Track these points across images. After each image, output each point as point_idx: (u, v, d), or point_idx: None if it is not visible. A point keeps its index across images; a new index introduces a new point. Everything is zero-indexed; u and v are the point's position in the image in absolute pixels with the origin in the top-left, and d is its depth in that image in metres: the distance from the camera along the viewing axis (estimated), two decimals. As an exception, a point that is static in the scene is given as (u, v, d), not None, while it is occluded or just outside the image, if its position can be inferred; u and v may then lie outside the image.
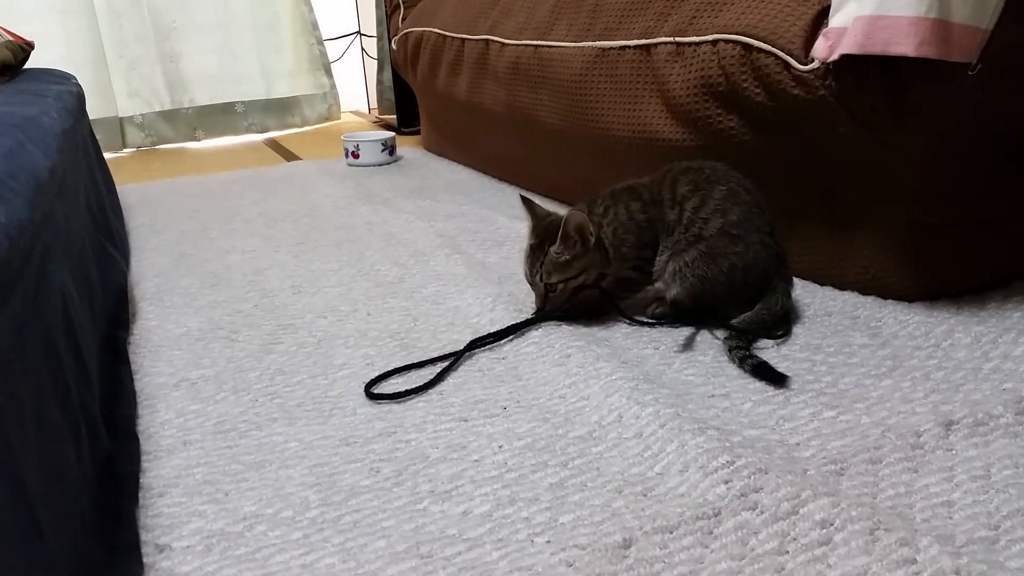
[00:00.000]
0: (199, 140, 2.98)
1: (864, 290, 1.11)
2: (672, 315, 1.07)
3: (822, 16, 1.00)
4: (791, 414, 0.82)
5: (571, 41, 1.47)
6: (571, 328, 1.06)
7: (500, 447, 0.80)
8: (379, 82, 3.19)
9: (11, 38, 1.64)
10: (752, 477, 0.70)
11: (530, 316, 1.08)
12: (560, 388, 0.91)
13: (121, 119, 2.85)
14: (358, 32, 3.36)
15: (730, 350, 0.96)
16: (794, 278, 1.17)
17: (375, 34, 3.13)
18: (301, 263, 1.42)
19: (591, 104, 1.42)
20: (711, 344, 1.00)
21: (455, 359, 0.99)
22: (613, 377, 0.91)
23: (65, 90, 1.49)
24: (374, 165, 2.23)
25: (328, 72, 3.20)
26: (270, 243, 1.56)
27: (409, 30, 2.25)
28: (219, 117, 3.01)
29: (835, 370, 0.91)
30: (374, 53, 3.20)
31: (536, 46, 1.58)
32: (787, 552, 0.63)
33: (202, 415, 0.91)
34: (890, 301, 1.07)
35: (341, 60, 3.32)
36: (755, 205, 1.03)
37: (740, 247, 1.01)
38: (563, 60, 1.49)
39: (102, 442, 0.78)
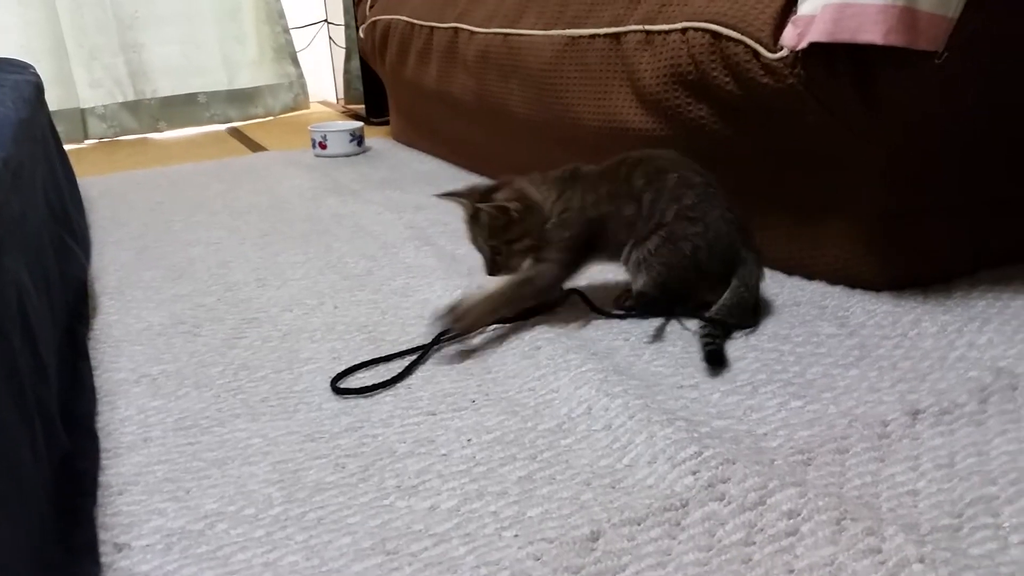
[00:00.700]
0: (161, 131, 2.93)
1: (832, 280, 1.11)
2: (641, 307, 1.06)
3: (791, 4, 1.00)
4: (759, 404, 0.82)
5: (540, 29, 1.46)
6: (541, 320, 1.05)
7: (469, 441, 0.79)
8: (347, 71, 3.16)
9: (-35, 25, 1.59)
10: (719, 468, 0.70)
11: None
12: (529, 381, 0.91)
13: (83, 110, 2.79)
14: (325, 20, 3.32)
15: (701, 336, 0.96)
16: (764, 269, 1.17)
17: (342, 23, 3.10)
18: (266, 255, 1.40)
19: (561, 93, 1.41)
20: (681, 335, 1.00)
21: (423, 352, 0.98)
22: (583, 369, 0.90)
23: (22, 79, 1.46)
24: (342, 156, 2.21)
25: (295, 61, 3.16)
26: (235, 235, 1.53)
27: (377, 18, 2.23)
28: (182, 108, 2.96)
29: (803, 360, 0.91)
30: (342, 42, 3.16)
31: (506, 34, 1.57)
32: (754, 543, 0.62)
33: (163, 411, 0.89)
34: (858, 291, 1.08)
35: (308, 49, 3.28)
36: (708, 186, 1.03)
37: (699, 227, 1.01)
38: (533, 49, 1.48)
39: (60, 439, 0.76)
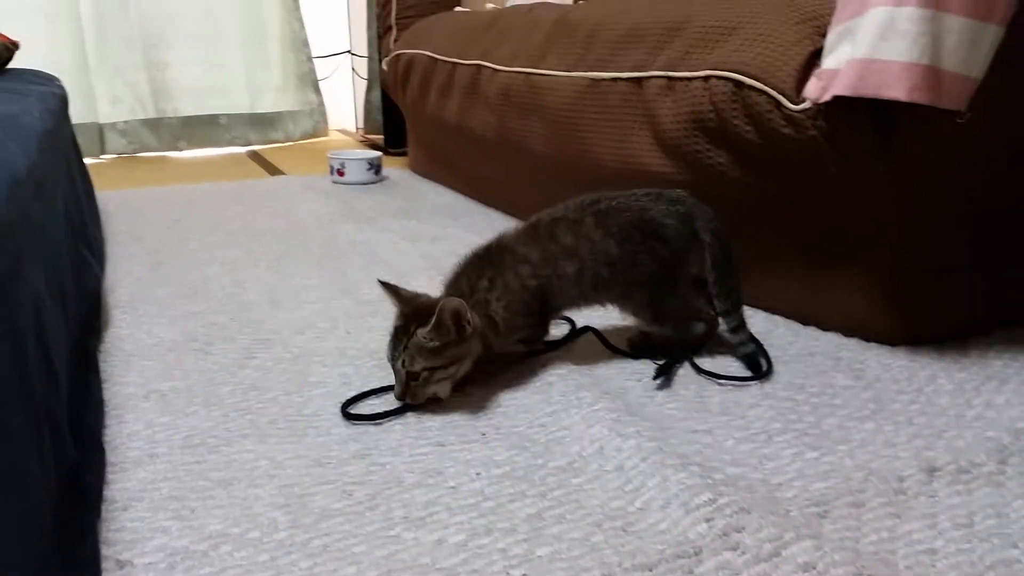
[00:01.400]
0: (181, 150, 2.95)
1: (847, 332, 1.10)
2: (643, 346, 1.07)
3: (815, 57, 1.01)
4: (774, 453, 0.81)
5: (563, 70, 1.48)
6: (553, 356, 1.04)
7: (477, 474, 0.78)
8: (367, 101, 3.19)
9: (-3, 37, 1.62)
10: (734, 516, 0.69)
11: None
12: (540, 416, 0.90)
13: (101, 125, 2.81)
14: (349, 51, 3.36)
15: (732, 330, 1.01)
16: (778, 317, 1.17)
17: (366, 55, 3.14)
18: (281, 278, 1.40)
19: (581, 133, 1.42)
20: (694, 378, 0.99)
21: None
22: (595, 407, 0.89)
23: (48, 91, 1.47)
24: (359, 184, 2.22)
25: (316, 89, 3.20)
26: (250, 256, 1.53)
27: (401, 51, 2.25)
28: (202, 128, 2.99)
29: (818, 410, 0.90)
30: (363, 73, 3.20)
31: (528, 73, 1.58)
32: (768, 595, 0.61)
33: (171, 428, 0.88)
34: (873, 344, 1.07)
35: (330, 79, 3.31)
36: (606, 206, 1.02)
37: (640, 247, 1.00)
38: (554, 88, 1.49)
39: (67, 450, 0.75)
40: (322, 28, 3.27)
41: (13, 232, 0.70)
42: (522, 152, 1.65)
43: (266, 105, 3.09)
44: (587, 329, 1.09)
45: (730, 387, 0.97)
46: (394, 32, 2.40)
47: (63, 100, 1.60)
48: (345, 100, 3.43)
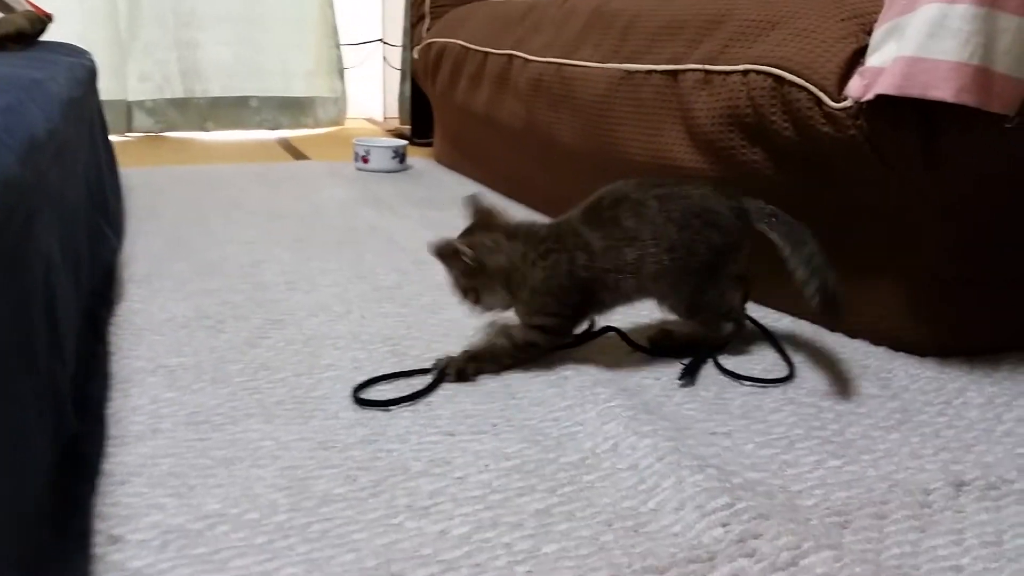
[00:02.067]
0: (209, 131, 2.95)
1: (876, 340, 1.07)
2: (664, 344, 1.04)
3: (859, 54, 0.97)
4: (795, 460, 0.78)
5: (597, 61, 1.45)
6: (570, 351, 1.01)
7: (486, 466, 0.76)
8: (401, 93, 3.17)
9: (31, 7, 1.61)
10: (752, 522, 0.66)
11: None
12: (554, 410, 0.87)
13: (129, 103, 2.81)
14: (381, 40, 3.34)
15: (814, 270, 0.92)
16: (804, 321, 1.14)
17: (400, 44, 3.12)
18: (299, 260, 1.38)
19: (612, 127, 1.39)
20: (715, 379, 0.96)
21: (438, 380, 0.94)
22: (611, 404, 0.86)
23: (77, 62, 1.47)
24: (383, 171, 2.20)
25: (341, 77, 3.18)
26: (269, 237, 1.52)
27: (433, 40, 2.23)
28: (231, 110, 2.98)
29: (842, 418, 0.87)
30: (395, 62, 3.18)
31: (560, 64, 1.56)
32: (783, 606, 0.58)
33: (176, 404, 0.86)
34: (901, 353, 1.03)
35: (361, 67, 3.30)
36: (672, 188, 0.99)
37: (698, 235, 0.97)
38: (586, 80, 1.46)
39: (67, 420, 0.74)
40: (354, 15, 3.26)
41: (27, 192, 0.69)
42: (550, 144, 1.63)
43: (298, 89, 3.08)
44: (608, 329, 1.06)
45: (752, 390, 0.93)
46: (427, 21, 2.38)
47: (91, 72, 1.60)
48: (375, 89, 3.42)
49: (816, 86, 0.98)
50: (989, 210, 1.00)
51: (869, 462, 0.78)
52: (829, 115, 0.97)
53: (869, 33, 0.96)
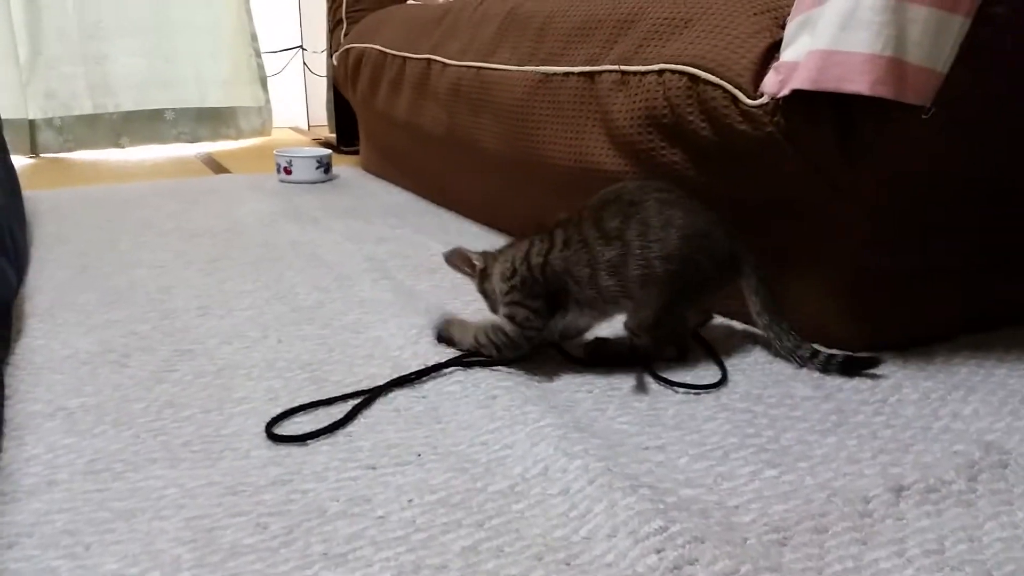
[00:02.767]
0: (124, 147, 2.82)
1: (808, 337, 1.04)
2: (599, 354, 1.01)
3: (773, 49, 0.95)
4: (730, 472, 0.76)
5: (514, 64, 1.41)
6: (500, 367, 0.98)
7: (410, 501, 0.71)
8: (328, 100, 3.09)
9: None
10: (687, 547, 0.62)
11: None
12: (482, 434, 0.83)
13: (32, 121, 2.67)
14: (300, 47, 3.26)
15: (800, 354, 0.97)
16: (735, 322, 1.12)
17: (324, 50, 3.04)
18: (213, 282, 1.31)
19: (533, 131, 1.36)
20: (648, 389, 0.93)
21: (371, 396, 0.90)
22: (541, 423, 0.83)
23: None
24: (307, 183, 2.13)
25: (264, 86, 3.09)
26: (182, 259, 1.44)
27: (350, 46, 2.17)
28: (146, 124, 2.86)
29: (776, 424, 0.85)
30: (318, 69, 3.10)
31: (478, 68, 1.52)
32: (723, 636, 0.55)
33: (75, 451, 0.80)
34: (834, 351, 1.02)
35: (281, 74, 3.21)
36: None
37: (699, 251, 0.96)
38: (505, 84, 1.43)
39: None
40: (273, 22, 3.17)
41: None
42: (473, 150, 1.59)
43: (216, 99, 2.97)
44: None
45: (685, 398, 0.91)
46: (344, 26, 2.32)
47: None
48: (297, 97, 3.33)
49: (731, 83, 0.96)
50: (911, 202, 0.99)
51: (806, 470, 0.76)
52: (745, 113, 0.95)
53: (783, 27, 0.94)
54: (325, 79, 3.05)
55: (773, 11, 0.97)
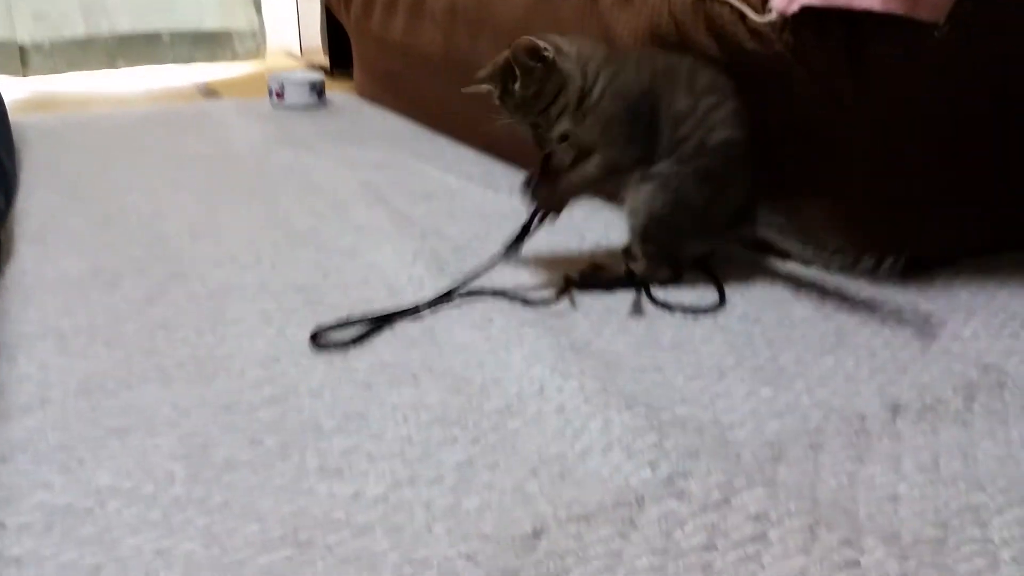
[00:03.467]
0: (119, 68, 2.74)
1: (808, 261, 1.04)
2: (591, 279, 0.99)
3: (782, -38, 0.92)
4: (726, 390, 0.75)
5: (513, -19, 1.36)
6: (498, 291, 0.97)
7: (405, 419, 0.71)
8: (322, 24, 3.01)
9: None
10: (680, 461, 0.62)
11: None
12: (479, 355, 0.83)
13: (23, 44, 2.60)
14: (293, -31, 3.16)
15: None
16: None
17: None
18: (205, 207, 1.29)
19: (531, 50, 1.32)
20: (646, 312, 0.92)
21: (415, 311, 0.91)
22: (537, 345, 0.82)
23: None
24: (300, 107, 2.09)
25: (258, 8, 3.00)
26: (174, 184, 1.42)
27: (344, -34, 2.11)
28: (142, 46, 2.78)
29: (774, 344, 0.84)
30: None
31: (476, -15, 1.47)
32: (716, 548, 0.55)
33: (67, 371, 0.79)
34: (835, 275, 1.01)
35: (277, -2, 3.13)
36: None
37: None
38: (504, 2, 1.38)
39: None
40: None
41: None
42: (471, 71, 1.54)
43: (212, 23, 2.88)
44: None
45: (683, 321, 0.90)
46: (338, -55, 2.24)
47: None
48: (290, 21, 3.25)
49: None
50: (918, 127, 0.96)
51: (803, 388, 0.75)
52: (753, 30, 0.92)
53: (793, -62, 0.90)
54: (318, 2, 2.96)
55: (782, -79, 0.93)
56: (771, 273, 1.01)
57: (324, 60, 2.78)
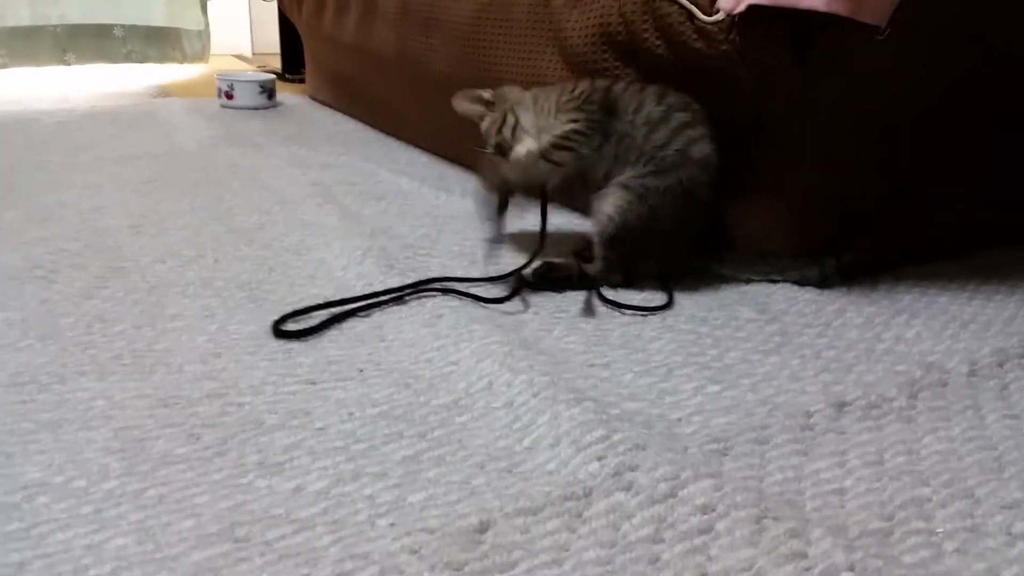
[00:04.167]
0: (69, 64, 2.65)
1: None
2: (546, 277, 0.99)
3: (732, -36, 0.93)
4: (674, 387, 0.75)
5: (466, -18, 1.36)
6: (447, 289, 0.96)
7: (350, 414, 0.70)
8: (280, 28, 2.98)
9: None
10: (628, 454, 0.62)
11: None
12: (427, 351, 0.81)
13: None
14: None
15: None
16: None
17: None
18: (148, 203, 1.26)
19: (485, 51, 1.32)
20: (595, 309, 0.92)
21: (394, 297, 0.92)
22: (486, 341, 0.81)
23: None
24: (250, 108, 2.06)
25: (204, 9, 2.95)
26: (116, 180, 1.38)
27: (296, -34, 2.08)
28: (94, 39, 2.67)
29: (721, 343, 0.84)
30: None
31: (429, -14, 1.46)
32: (663, 540, 0.55)
33: (-3, 365, 0.76)
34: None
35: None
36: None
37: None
38: (456, 2, 1.38)
39: None
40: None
41: None
42: (423, 73, 1.54)
43: (159, 19, 2.80)
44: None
45: (632, 320, 0.90)
46: (290, -55, 2.22)
47: None
48: (241, 22, 3.21)
49: (688, -1, 0.94)
50: (867, 125, 0.98)
51: (748, 386, 0.76)
52: (701, 30, 0.93)
53: (742, -59, 0.91)
54: (275, 2, 2.93)
55: (731, -75, 0.94)
56: (718, 276, 1.02)
57: (277, 65, 2.75)
